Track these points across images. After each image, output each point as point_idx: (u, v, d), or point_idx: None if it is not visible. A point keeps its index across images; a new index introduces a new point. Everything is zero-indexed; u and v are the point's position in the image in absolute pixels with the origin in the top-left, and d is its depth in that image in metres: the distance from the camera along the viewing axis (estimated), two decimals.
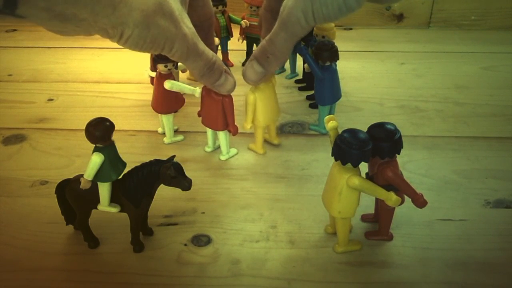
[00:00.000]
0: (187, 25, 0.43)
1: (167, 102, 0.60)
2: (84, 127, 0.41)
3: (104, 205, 0.44)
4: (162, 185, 0.43)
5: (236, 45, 0.78)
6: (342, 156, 0.40)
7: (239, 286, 0.42)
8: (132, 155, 0.58)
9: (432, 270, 0.44)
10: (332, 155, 0.41)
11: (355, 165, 0.40)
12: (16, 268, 0.44)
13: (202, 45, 0.46)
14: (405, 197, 0.43)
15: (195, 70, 0.47)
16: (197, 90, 0.57)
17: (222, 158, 0.59)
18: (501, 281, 0.43)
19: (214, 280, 0.43)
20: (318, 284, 0.42)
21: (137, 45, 0.40)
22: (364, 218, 0.49)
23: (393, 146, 0.41)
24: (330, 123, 0.41)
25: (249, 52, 0.78)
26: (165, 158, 0.43)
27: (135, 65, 0.81)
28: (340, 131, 0.41)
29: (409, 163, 0.57)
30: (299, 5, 0.43)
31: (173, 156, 0.44)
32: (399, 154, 0.42)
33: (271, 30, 0.47)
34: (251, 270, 0.44)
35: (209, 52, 0.47)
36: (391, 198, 0.41)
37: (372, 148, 0.40)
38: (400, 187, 0.41)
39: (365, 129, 0.42)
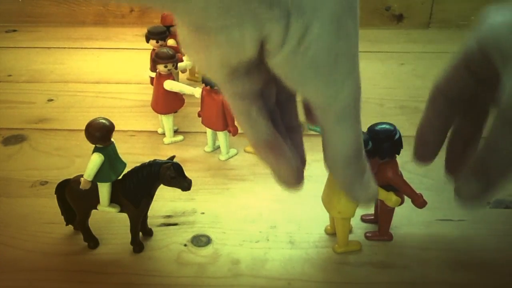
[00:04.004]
0: None
1: (167, 102, 0.60)
2: (84, 128, 0.41)
3: (104, 205, 0.44)
4: (162, 185, 0.43)
5: None
6: None
7: (239, 286, 0.42)
8: (132, 155, 0.58)
9: (432, 270, 0.44)
10: None
11: None
12: (15, 268, 0.44)
13: None
14: (405, 197, 0.43)
15: (343, 137, 0.33)
16: (197, 91, 0.57)
17: (222, 158, 0.59)
18: (501, 281, 0.43)
19: (214, 281, 0.43)
20: (318, 284, 0.42)
21: (316, 46, 0.27)
22: (364, 218, 0.49)
23: (392, 147, 0.41)
24: None
25: None
26: (165, 159, 0.43)
27: (135, 66, 0.81)
28: None
29: (409, 163, 0.57)
30: None
31: (173, 157, 0.44)
32: (398, 154, 0.42)
33: (440, 118, 0.39)
34: (251, 270, 0.44)
35: None
36: (390, 198, 0.41)
37: (372, 149, 0.40)
38: (399, 187, 0.41)
39: (364, 130, 0.42)
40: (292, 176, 0.36)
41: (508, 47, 0.35)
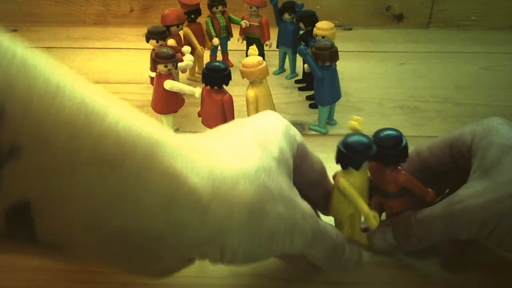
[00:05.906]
0: (301, 201, 0.34)
1: (167, 102, 0.60)
2: None
3: None
4: None
5: (236, 45, 0.78)
6: (343, 160, 0.39)
7: (239, 286, 0.42)
8: None
9: (432, 270, 0.43)
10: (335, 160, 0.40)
11: (357, 168, 0.39)
12: (16, 268, 0.44)
13: (321, 221, 0.36)
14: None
15: (319, 256, 0.37)
16: (197, 90, 0.57)
17: None
18: (502, 281, 0.42)
19: (214, 280, 0.43)
20: (318, 284, 0.42)
21: (249, 257, 0.31)
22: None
23: (399, 153, 0.40)
24: (352, 123, 0.42)
25: None
26: None
27: (135, 66, 0.81)
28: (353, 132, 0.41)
29: None
30: (484, 213, 0.36)
31: None
32: (404, 161, 0.41)
33: (410, 174, 0.41)
34: (251, 270, 0.44)
35: (327, 224, 0.38)
36: (369, 216, 0.39)
37: (379, 156, 0.40)
38: (413, 188, 0.41)
39: (365, 131, 0.41)
40: None
41: (485, 161, 0.38)
